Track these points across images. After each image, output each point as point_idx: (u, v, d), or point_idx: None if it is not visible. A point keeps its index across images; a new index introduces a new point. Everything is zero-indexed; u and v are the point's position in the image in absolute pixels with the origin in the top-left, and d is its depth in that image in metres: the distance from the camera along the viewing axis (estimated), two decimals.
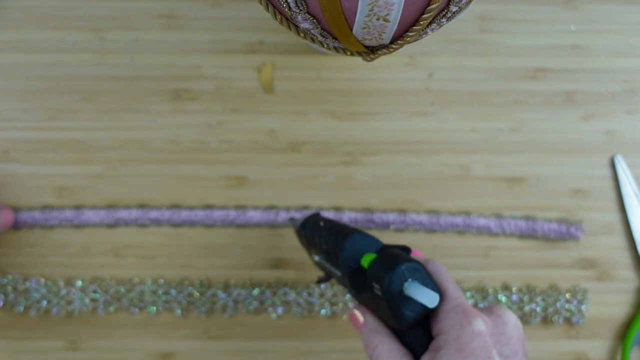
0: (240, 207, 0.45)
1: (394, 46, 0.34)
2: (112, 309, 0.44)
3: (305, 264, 0.45)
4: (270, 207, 0.45)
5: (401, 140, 0.47)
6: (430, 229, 0.45)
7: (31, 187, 0.46)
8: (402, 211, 0.45)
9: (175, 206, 0.45)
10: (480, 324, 0.33)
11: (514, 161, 0.46)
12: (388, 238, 0.45)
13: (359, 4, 0.30)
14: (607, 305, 0.45)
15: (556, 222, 0.45)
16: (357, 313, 0.36)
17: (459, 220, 0.45)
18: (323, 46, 0.36)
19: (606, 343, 0.45)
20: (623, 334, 0.45)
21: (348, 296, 0.44)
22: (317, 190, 0.46)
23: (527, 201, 0.46)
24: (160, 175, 0.46)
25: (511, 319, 0.34)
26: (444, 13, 0.32)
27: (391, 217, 0.45)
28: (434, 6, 0.31)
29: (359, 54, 0.36)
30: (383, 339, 0.35)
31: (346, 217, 0.45)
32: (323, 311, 0.44)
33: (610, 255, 0.46)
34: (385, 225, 0.45)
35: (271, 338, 0.45)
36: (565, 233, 0.45)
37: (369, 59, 0.36)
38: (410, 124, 0.47)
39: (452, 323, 0.34)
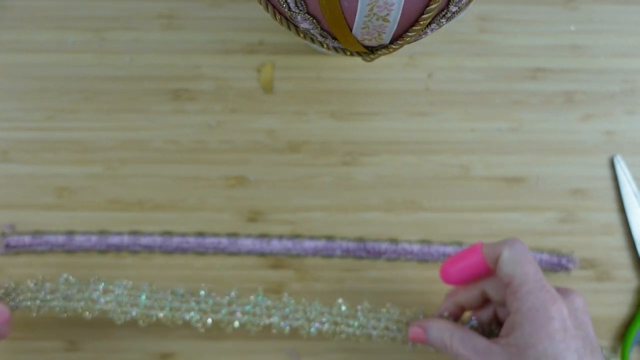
0: (232, 235, 0.45)
1: (393, 46, 0.34)
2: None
3: (304, 263, 0.45)
4: (262, 235, 0.45)
5: (401, 140, 0.47)
6: (422, 259, 0.45)
7: (31, 187, 0.46)
8: (393, 241, 0.45)
9: (167, 233, 0.45)
10: (560, 308, 0.35)
11: (513, 161, 0.47)
12: (381, 267, 0.45)
13: (359, 4, 0.30)
14: (606, 305, 0.45)
15: (547, 253, 0.45)
16: (416, 329, 0.39)
17: (450, 249, 0.45)
18: (323, 46, 0.36)
19: (606, 343, 0.45)
20: (623, 334, 0.45)
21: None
22: (316, 191, 0.46)
23: (527, 201, 0.46)
24: (160, 175, 0.46)
25: (581, 304, 0.36)
26: (443, 13, 0.32)
27: (383, 246, 0.45)
28: (433, 6, 0.31)
29: (359, 54, 0.36)
30: (451, 334, 0.37)
31: (338, 246, 0.44)
32: (313, 329, 0.41)
33: (610, 256, 0.46)
34: (378, 255, 0.45)
35: (271, 338, 0.45)
36: (556, 264, 0.45)
37: (368, 59, 0.36)
38: (410, 124, 0.47)
39: (529, 305, 0.35)
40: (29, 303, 0.40)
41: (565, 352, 0.34)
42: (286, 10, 0.33)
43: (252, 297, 0.41)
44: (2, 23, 0.47)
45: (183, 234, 0.45)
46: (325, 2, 0.30)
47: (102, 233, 0.45)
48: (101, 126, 0.46)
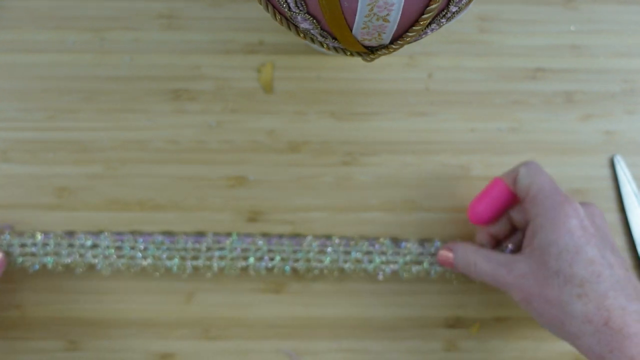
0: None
1: (393, 46, 0.34)
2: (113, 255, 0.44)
3: None
4: (262, 235, 0.45)
5: (401, 140, 0.47)
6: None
7: (31, 187, 0.46)
8: (394, 240, 0.45)
9: (167, 233, 0.45)
10: (576, 207, 0.37)
11: (513, 161, 0.46)
12: None
13: (359, 4, 0.30)
14: None
15: None
16: (445, 252, 0.42)
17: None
18: (323, 46, 0.36)
19: None
20: None
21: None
22: (316, 191, 0.46)
23: None
24: (160, 175, 0.46)
25: (598, 212, 0.39)
26: (443, 13, 0.32)
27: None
28: (433, 6, 0.31)
29: (359, 54, 0.36)
30: (475, 252, 0.40)
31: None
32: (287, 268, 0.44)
33: None
34: None
35: (270, 338, 0.45)
36: None
37: (368, 59, 0.36)
38: (410, 124, 0.47)
39: (547, 206, 0.38)
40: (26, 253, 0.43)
41: (585, 246, 0.36)
42: (286, 10, 0.33)
43: (227, 241, 0.44)
44: (2, 23, 0.47)
45: (185, 233, 0.45)
46: (325, 2, 0.30)
47: (102, 233, 0.45)
48: (101, 126, 0.46)
